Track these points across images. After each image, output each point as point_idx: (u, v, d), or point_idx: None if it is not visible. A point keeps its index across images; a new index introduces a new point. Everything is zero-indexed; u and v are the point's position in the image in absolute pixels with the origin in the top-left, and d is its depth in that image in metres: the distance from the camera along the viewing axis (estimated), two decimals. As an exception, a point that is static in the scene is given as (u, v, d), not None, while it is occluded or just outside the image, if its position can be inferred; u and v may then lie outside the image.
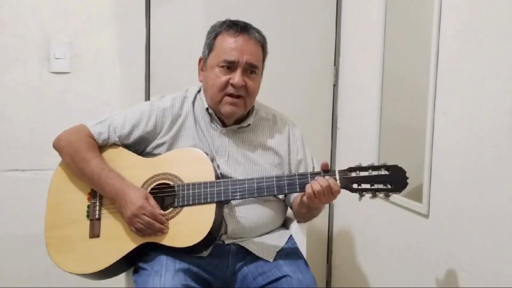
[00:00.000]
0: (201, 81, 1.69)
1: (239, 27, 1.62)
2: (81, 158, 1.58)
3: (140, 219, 1.49)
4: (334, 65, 2.54)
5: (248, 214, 1.62)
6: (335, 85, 2.55)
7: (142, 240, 1.52)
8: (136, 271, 1.54)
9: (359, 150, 2.31)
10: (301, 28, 2.50)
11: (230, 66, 1.59)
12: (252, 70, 1.62)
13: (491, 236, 1.47)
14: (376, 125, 2.12)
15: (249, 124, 1.68)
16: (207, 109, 1.66)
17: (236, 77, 1.58)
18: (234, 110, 1.62)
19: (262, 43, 1.66)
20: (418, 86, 1.85)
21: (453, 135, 1.64)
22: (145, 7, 2.31)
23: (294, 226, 1.75)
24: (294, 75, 2.50)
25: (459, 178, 1.61)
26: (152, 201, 1.53)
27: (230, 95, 1.60)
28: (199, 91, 1.72)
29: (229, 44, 1.60)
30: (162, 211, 1.52)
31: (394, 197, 1.92)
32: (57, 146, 1.65)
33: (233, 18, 1.67)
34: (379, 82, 2.10)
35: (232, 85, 1.59)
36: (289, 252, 1.62)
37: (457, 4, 1.61)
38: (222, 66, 1.59)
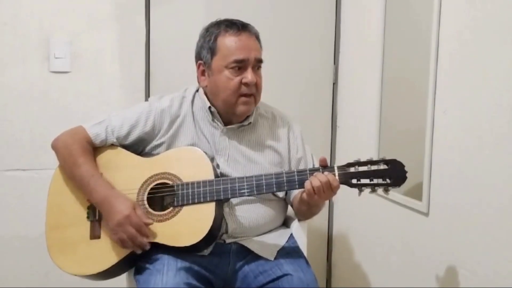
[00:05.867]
0: (205, 87, 1.66)
1: (239, 26, 1.61)
2: (73, 161, 1.58)
3: (124, 230, 1.47)
4: (334, 63, 2.54)
5: (248, 214, 1.62)
6: (335, 84, 2.55)
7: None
8: (138, 270, 1.54)
9: (359, 148, 2.32)
10: (300, 26, 2.50)
11: (241, 66, 1.59)
12: (259, 65, 1.63)
13: (491, 234, 1.47)
14: (375, 124, 2.12)
15: (250, 122, 1.69)
16: (209, 107, 1.66)
17: (249, 75, 1.58)
18: (249, 108, 1.63)
19: (258, 38, 1.66)
20: (418, 85, 1.85)
21: (453, 133, 1.64)
22: (145, 6, 2.31)
23: (295, 225, 1.75)
24: (294, 73, 2.50)
25: (459, 176, 1.61)
26: (140, 211, 1.51)
27: (244, 95, 1.60)
28: (197, 91, 1.72)
29: (234, 44, 1.59)
30: (149, 221, 1.49)
31: (394, 195, 1.94)
32: (54, 147, 1.65)
33: (233, 17, 1.66)
34: (378, 81, 2.10)
35: (245, 84, 1.58)
36: (290, 251, 1.63)
37: (457, 2, 1.62)
38: (233, 67, 1.58)
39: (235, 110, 1.62)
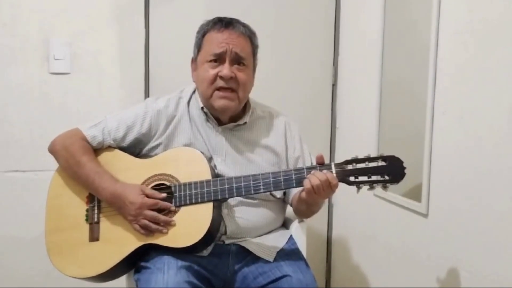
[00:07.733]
0: (194, 81, 1.69)
1: (224, 23, 1.62)
2: (76, 161, 1.58)
3: (144, 215, 1.50)
4: (333, 65, 2.54)
5: (247, 215, 1.62)
6: (334, 85, 2.55)
7: (141, 242, 1.52)
8: (138, 270, 1.54)
9: (358, 149, 2.28)
10: (300, 28, 2.50)
11: (218, 59, 1.59)
12: (241, 61, 1.61)
13: (490, 235, 1.47)
14: (375, 125, 2.12)
15: (246, 122, 1.68)
16: (202, 108, 1.66)
17: (224, 69, 1.57)
18: (227, 103, 1.60)
19: (249, 36, 1.65)
20: (417, 86, 1.85)
21: (452, 134, 1.64)
22: (144, 7, 2.32)
23: (294, 226, 1.75)
24: (293, 75, 2.50)
25: (458, 177, 1.61)
26: (149, 190, 1.53)
27: (220, 88, 1.59)
28: (194, 91, 1.72)
29: (215, 39, 1.60)
30: (162, 194, 1.52)
31: (393, 196, 1.94)
32: (52, 150, 1.65)
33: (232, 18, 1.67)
34: (378, 82, 2.10)
35: (221, 77, 1.58)
36: (289, 252, 1.63)
37: (456, 3, 1.62)
38: (211, 61, 1.59)
39: (213, 104, 1.61)
